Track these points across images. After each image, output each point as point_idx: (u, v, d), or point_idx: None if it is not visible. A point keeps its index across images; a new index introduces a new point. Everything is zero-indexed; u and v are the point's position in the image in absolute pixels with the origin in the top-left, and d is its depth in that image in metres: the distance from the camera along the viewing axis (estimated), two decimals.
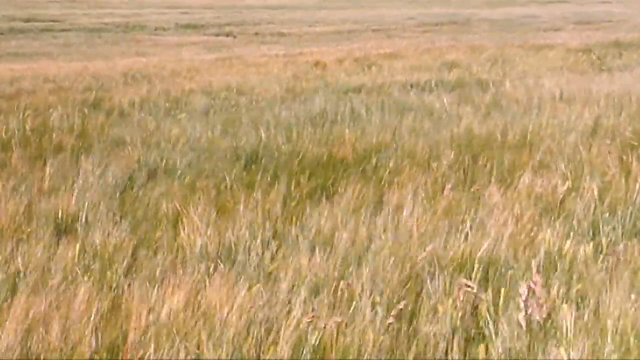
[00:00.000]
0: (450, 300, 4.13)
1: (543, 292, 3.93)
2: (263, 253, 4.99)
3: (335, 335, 3.85)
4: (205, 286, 4.41)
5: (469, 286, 4.07)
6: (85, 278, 4.68)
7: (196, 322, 3.97)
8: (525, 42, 25.21)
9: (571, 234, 5.10)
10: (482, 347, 3.78)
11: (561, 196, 5.91)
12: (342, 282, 4.40)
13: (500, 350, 3.75)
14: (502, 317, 3.95)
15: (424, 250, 4.73)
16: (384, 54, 21.60)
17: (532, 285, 3.96)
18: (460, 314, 4.03)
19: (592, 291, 4.23)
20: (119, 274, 4.76)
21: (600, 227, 5.25)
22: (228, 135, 9.20)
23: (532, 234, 5.14)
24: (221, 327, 3.90)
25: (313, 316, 3.96)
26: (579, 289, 4.27)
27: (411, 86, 14.02)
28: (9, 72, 20.33)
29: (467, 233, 5.11)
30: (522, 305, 3.90)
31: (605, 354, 3.65)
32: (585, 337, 3.71)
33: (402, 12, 60.88)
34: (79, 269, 4.86)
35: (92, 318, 4.04)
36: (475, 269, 4.52)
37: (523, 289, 3.95)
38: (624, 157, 7.03)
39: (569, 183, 6.17)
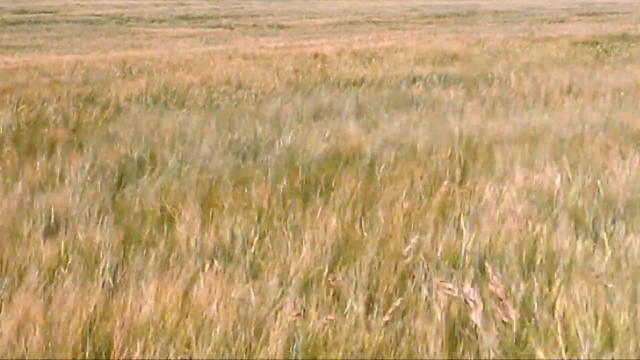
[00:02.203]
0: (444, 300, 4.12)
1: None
2: (256, 250, 4.98)
3: (327, 334, 3.84)
4: (197, 283, 4.40)
5: (449, 289, 4.01)
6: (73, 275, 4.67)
7: (185, 320, 3.97)
8: (530, 34, 25.22)
9: (568, 229, 5.07)
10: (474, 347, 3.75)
11: (560, 190, 5.92)
12: (329, 278, 4.40)
13: (493, 350, 3.73)
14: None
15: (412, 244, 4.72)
16: (386, 47, 21.60)
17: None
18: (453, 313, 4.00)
19: (594, 289, 4.22)
20: (107, 272, 4.73)
21: (601, 222, 5.24)
22: (227, 130, 9.22)
23: (528, 229, 5.12)
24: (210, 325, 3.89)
25: (298, 314, 3.94)
26: (581, 286, 4.25)
27: (413, 79, 14.03)
28: (2, 65, 20.32)
29: (462, 229, 5.10)
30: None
31: (610, 354, 3.65)
32: (590, 336, 3.71)
33: (403, 4, 60.89)
34: (67, 266, 4.85)
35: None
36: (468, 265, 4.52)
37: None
38: (626, 152, 7.05)
39: (569, 178, 6.19)
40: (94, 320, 4.02)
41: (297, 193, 6.32)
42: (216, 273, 4.56)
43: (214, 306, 4.07)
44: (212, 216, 5.69)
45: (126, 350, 3.76)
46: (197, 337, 3.82)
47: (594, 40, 21.35)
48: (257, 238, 5.15)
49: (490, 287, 3.88)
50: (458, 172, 6.76)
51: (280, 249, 4.95)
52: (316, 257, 4.79)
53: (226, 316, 3.99)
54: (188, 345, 3.79)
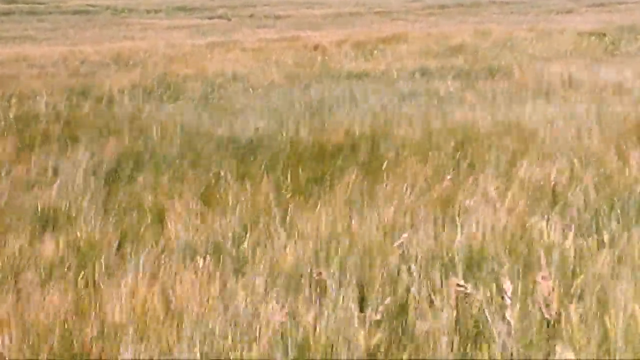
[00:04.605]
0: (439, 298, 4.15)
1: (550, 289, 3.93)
2: (252, 247, 5.01)
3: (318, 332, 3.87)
4: (184, 280, 4.43)
5: (460, 286, 4.03)
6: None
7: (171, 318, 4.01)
8: (535, 25, 25.20)
9: (572, 226, 5.08)
10: (484, 347, 3.77)
11: (559, 187, 5.95)
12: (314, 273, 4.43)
13: (499, 350, 3.75)
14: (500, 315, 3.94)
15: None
16: (387, 38, 21.60)
17: (539, 280, 3.97)
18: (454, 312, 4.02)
19: (595, 287, 4.23)
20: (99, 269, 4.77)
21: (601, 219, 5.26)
22: (224, 124, 9.24)
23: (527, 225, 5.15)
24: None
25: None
26: (581, 284, 4.27)
27: (416, 73, 14.05)
28: None
29: (461, 225, 5.13)
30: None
31: (612, 354, 3.67)
32: (592, 336, 3.73)
33: None
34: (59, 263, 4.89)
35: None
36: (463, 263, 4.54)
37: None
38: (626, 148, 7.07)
39: (567, 173, 6.23)
40: None
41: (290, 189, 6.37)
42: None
43: None
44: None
45: None
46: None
47: (602, 31, 21.32)
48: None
49: None
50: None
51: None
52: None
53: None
54: None
